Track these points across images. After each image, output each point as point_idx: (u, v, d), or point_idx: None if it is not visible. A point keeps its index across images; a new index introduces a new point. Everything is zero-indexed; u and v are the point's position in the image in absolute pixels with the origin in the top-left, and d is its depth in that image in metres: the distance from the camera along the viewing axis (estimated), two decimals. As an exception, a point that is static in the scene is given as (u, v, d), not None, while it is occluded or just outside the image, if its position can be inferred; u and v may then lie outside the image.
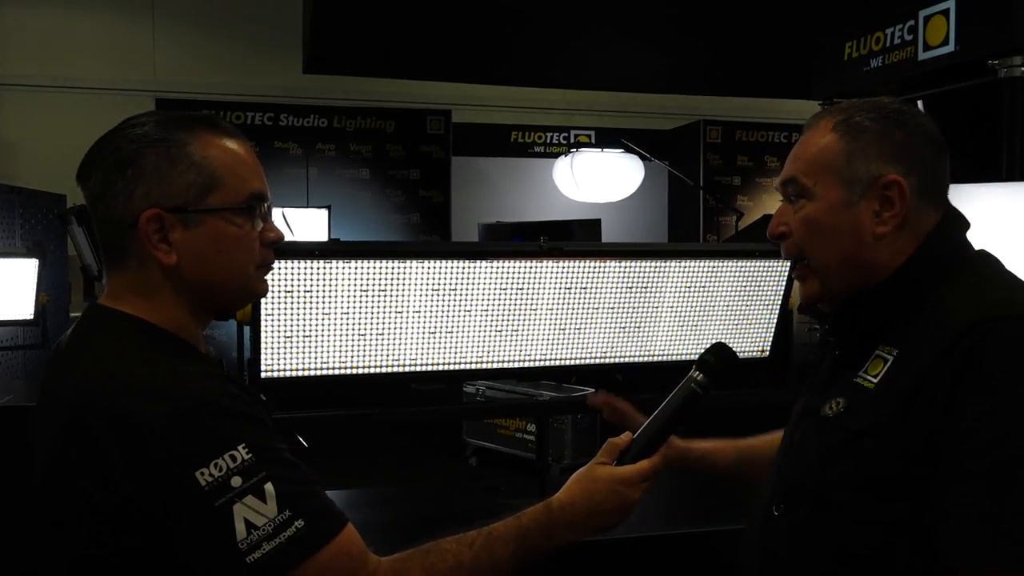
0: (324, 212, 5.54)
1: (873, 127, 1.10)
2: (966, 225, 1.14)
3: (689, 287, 1.82)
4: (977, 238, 2.48)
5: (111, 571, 0.96)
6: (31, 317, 2.86)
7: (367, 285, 1.59)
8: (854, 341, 1.12)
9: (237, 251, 1.06)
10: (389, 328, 1.64)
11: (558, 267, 1.70)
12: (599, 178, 7.09)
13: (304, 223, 5.44)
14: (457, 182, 7.41)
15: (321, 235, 5.42)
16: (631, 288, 1.78)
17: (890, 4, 3.20)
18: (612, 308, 1.78)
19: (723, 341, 1.19)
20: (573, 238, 5.84)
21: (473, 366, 1.70)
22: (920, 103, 3.28)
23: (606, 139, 7.64)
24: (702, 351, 1.21)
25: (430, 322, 1.66)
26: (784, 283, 1.87)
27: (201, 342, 1.10)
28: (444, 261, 1.62)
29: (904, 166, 1.08)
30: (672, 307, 1.83)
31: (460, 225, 7.27)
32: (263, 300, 1.54)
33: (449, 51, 6.34)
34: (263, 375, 1.57)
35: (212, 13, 7.03)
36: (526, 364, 1.74)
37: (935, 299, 1.05)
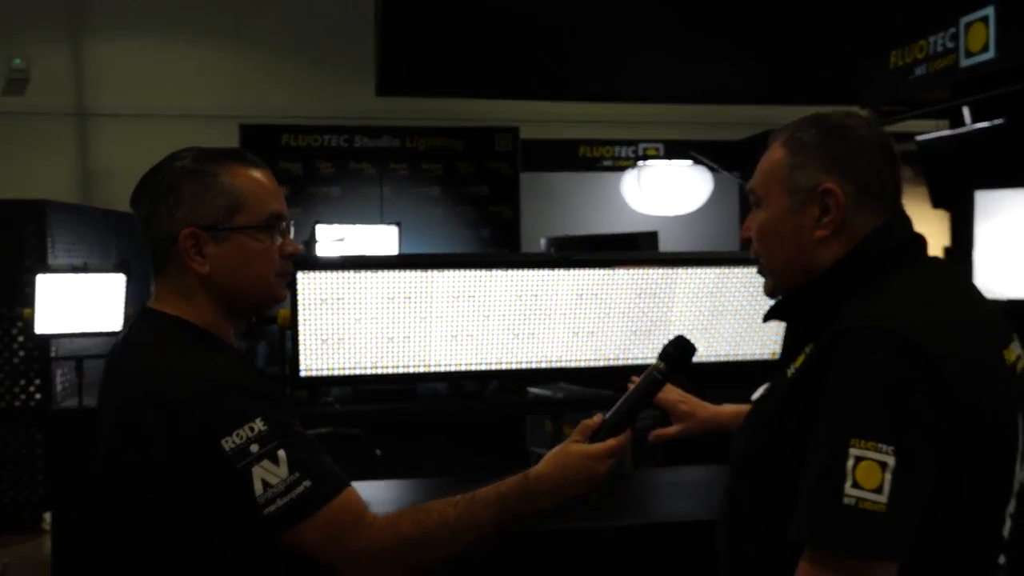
0: (394, 229, 5.78)
1: (813, 141, 1.19)
2: (906, 235, 1.21)
3: (699, 293, 1.93)
4: (992, 238, 2.51)
5: (151, 529, 1.15)
6: (119, 328, 3.16)
7: (393, 293, 1.76)
8: (793, 336, 1.24)
9: (259, 262, 1.26)
10: (414, 332, 1.80)
11: (576, 276, 1.84)
12: (667, 190, 7.14)
13: (376, 240, 5.69)
14: (526, 197, 7.56)
15: (392, 251, 5.66)
16: (643, 294, 1.89)
17: (932, 11, 3.22)
18: (625, 313, 1.90)
19: (683, 335, 1.31)
20: (637, 249, 5.92)
21: (492, 367, 1.85)
22: (966, 110, 3.29)
23: (675, 151, 7.69)
24: (695, 351, 1.34)
25: (451, 326, 1.82)
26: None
27: (231, 337, 1.31)
28: (462, 271, 1.78)
29: (839, 174, 1.17)
30: (683, 312, 1.94)
31: (529, 239, 7.42)
32: (301, 307, 1.74)
33: (516, 69, 6.52)
34: (302, 374, 1.75)
35: (292, 41, 7.42)
36: (542, 365, 1.88)
37: (847, 304, 1.14)
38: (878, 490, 1.00)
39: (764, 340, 2.02)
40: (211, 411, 1.11)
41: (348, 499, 1.15)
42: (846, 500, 1.00)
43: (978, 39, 3.01)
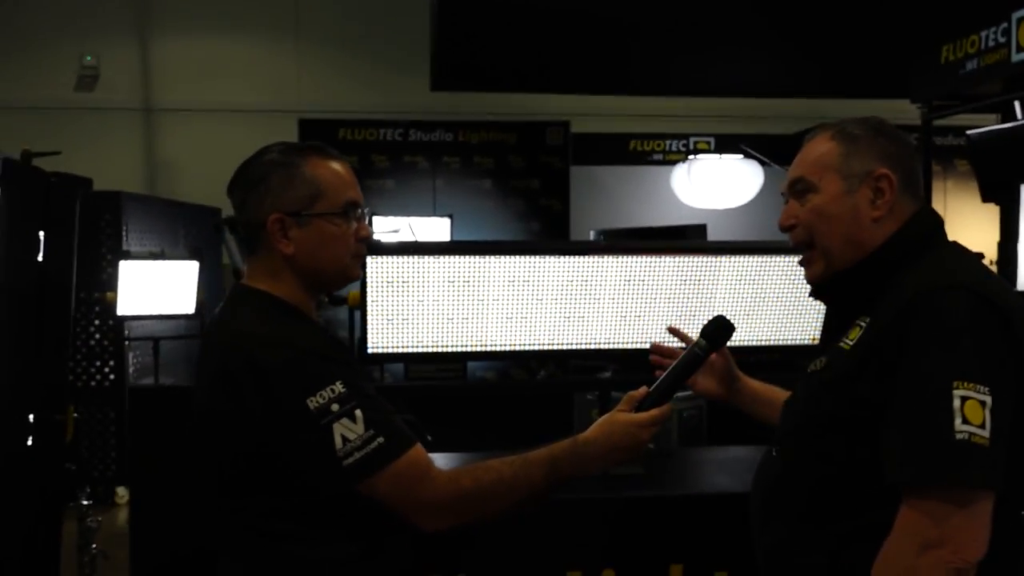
0: (447, 220, 5.93)
1: (863, 135, 1.34)
2: (939, 219, 1.36)
3: (741, 280, 2.03)
4: None
5: (247, 472, 1.32)
6: (192, 312, 3.36)
7: (454, 277, 1.90)
8: (841, 313, 1.34)
9: (336, 245, 1.41)
10: (473, 314, 1.93)
11: (623, 262, 1.95)
12: (717, 184, 7.17)
13: (429, 231, 5.84)
14: (576, 191, 7.65)
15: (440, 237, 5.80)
16: (686, 281, 2.00)
17: (983, 6, 3.25)
18: (669, 299, 2.01)
19: (723, 315, 1.42)
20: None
21: (544, 347, 1.97)
22: (1017, 104, 3.30)
23: (726, 145, 7.70)
24: (734, 330, 1.45)
25: (506, 309, 1.94)
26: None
27: (313, 311, 1.46)
28: (517, 257, 1.91)
29: (890, 164, 1.33)
30: (725, 299, 2.04)
31: (578, 233, 7.51)
32: (370, 289, 1.89)
33: (568, 64, 6.60)
34: (369, 351, 1.90)
35: (349, 37, 7.62)
36: (590, 347, 1.99)
37: (901, 277, 1.28)
38: (982, 426, 1.11)
39: (804, 326, 2.11)
40: (298, 375, 1.27)
41: (416, 455, 1.30)
42: (959, 436, 1.11)
43: (1029, 34, 3.03)
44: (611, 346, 2.01)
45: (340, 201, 1.41)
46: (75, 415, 2.35)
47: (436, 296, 1.91)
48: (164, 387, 3.17)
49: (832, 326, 1.39)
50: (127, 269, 3.14)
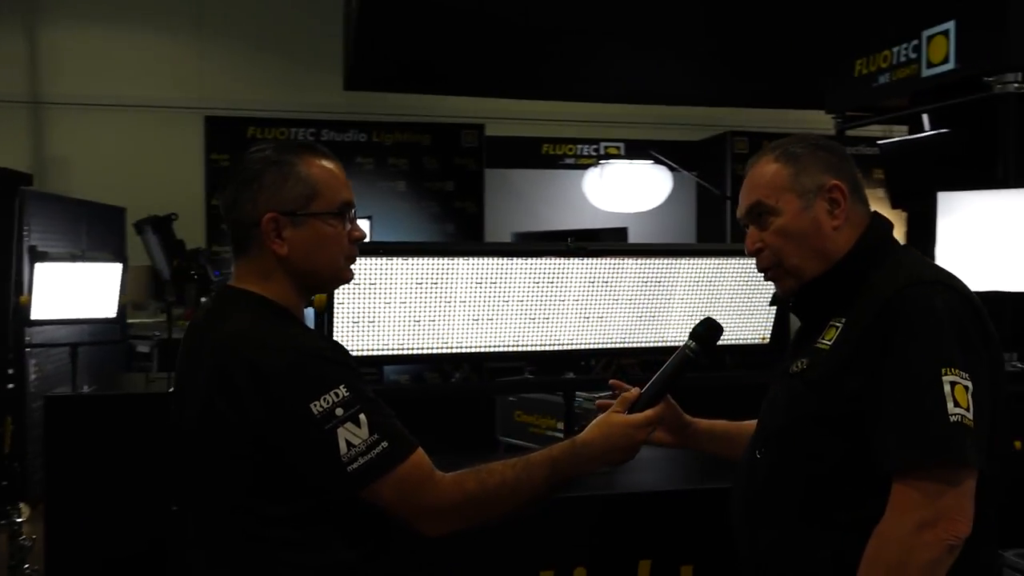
0: (366, 222, 5.85)
1: (804, 152, 1.42)
2: (890, 224, 1.45)
3: (698, 282, 2.09)
4: (976, 238, 2.72)
5: (245, 476, 1.27)
6: (114, 316, 3.20)
7: (421, 279, 1.88)
8: (814, 317, 1.41)
9: (331, 245, 1.38)
10: (439, 316, 1.92)
11: (583, 265, 1.97)
12: (628, 189, 7.32)
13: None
14: (490, 193, 7.68)
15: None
16: (647, 283, 2.04)
17: (895, 23, 3.44)
18: (630, 300, 2.05)
19: (712, 317, 1.46)
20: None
21: (510, 349, 1.98)
22: (925, 116, 3.51)
23: (635, 150, 7.87)
24: (722, 332, 1.50)
25: (473, 311, 1.94)
26: (783, 278, 2.12)
27: (303, 314, 1.41)
28: (486, 259, 1.90)
29: (836, 174, 1.40)
30: (683, 300, 2.09)
31: (493, 235, 7.53)
32: (336, 291, 1.85)
33: (483, 67, 6.62)
34: (333, 355, 1.85)
35: (256, 33, 7.42)
36: (555, 348, 2.01)
37: (871, 280, 1.35)
38: (968, 409, 1.20)
39: (755, 327, 2.19)
40: (301, 379, 1.24)
41: (419, 459, 1.28)
42: (952, 418, 1.19)
43: (939, 51, 3.23)
44: (572, 347, 2.03)
45: (336, 201, 1.38)
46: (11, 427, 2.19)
47: (403, 298, 1.89)
48: (84, 396, 3.00)
49: (805, 330, 1.45)
50: (43, 272, 2.96)
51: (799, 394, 1.36)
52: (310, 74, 7.36)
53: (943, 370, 1.21)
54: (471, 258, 1.90)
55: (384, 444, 1.24)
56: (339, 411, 1.22)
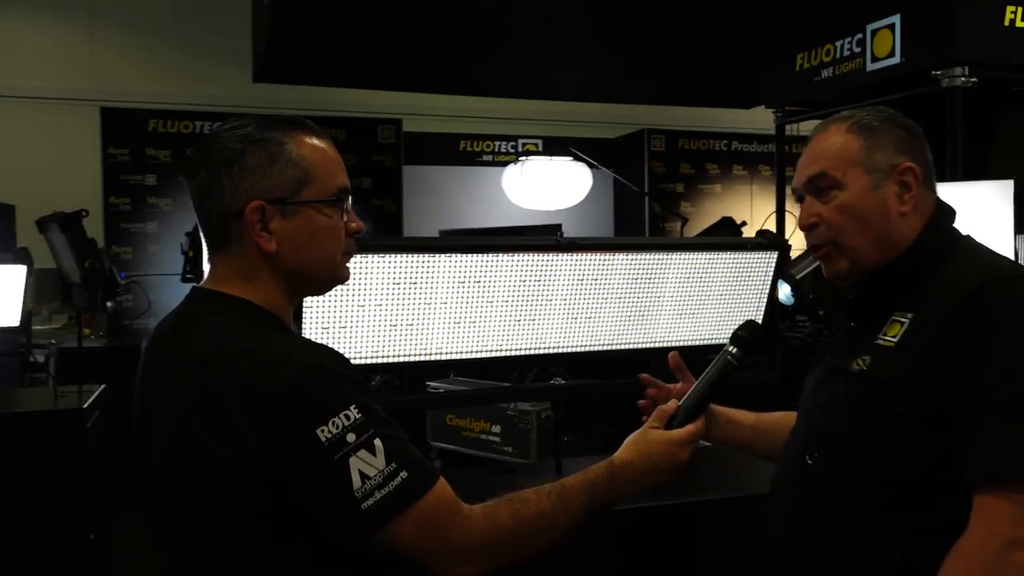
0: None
1: (881, 126, 1.30)
2: (954, 212, 1.35)
3: (688, 278, 1.97)
4: None
5: (236, 519, 1.06)
6: (17, 324, 2.86)
7: (399, 278, 1.69)
8: (870, 311, 1.29)
9: (327, 239, 1.18)
10: (418, 319, 1.73)
11: (571, 260, 1.83)
12: (548, 186, 7.24)
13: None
14: (409, 190, 7.48)
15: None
16: (636, 280, 1.91)
17: (839, 17, 3.43)
18: (619, 299, 1.91)
19: (753, 319, 1.34)
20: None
21: (494, 354, 1.81)
22: (867, 111, 3.52)
23: (553, 147, 7.82)
24: (726, 334, 1.36)
25: (455, 313, 1.76)
26: (772, 273, 2.03)
27: (291, 321, 1.21)
28: (470, 255, 1.73)
29: (911, 156, 1.30)
30: (673, 297, 1.98)
31: (412, 233, 7.33)
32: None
33: (399, 61, 6.42)
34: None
35: (154, 21, 6.98)
36: (541, 351, 1.86)
37: (939, 270, 1.25)
38: None
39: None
40: (304, 399, 1.04)
41: (443, 490, 1.10)
42: None
43: (884, 45, 3.24)
44: (561, 350, 1.88)
45: (332, 187, 1.18)
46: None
47: (379, 300, 1.70)
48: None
49: (852, 325, 1.34)
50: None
51: (865, 395, 1.24)
52: (216, 65, 6.97)
53: None
54: (455, 255, 1.72)
55: (403, 475, 1.05)
56: (351, 437, 1.03)
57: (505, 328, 1.81)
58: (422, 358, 1.76)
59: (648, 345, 1.98)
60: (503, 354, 1.82)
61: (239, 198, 1.13)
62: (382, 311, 1.70)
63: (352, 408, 1.04)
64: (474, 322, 1.78)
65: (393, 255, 1.67)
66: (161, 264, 6.29)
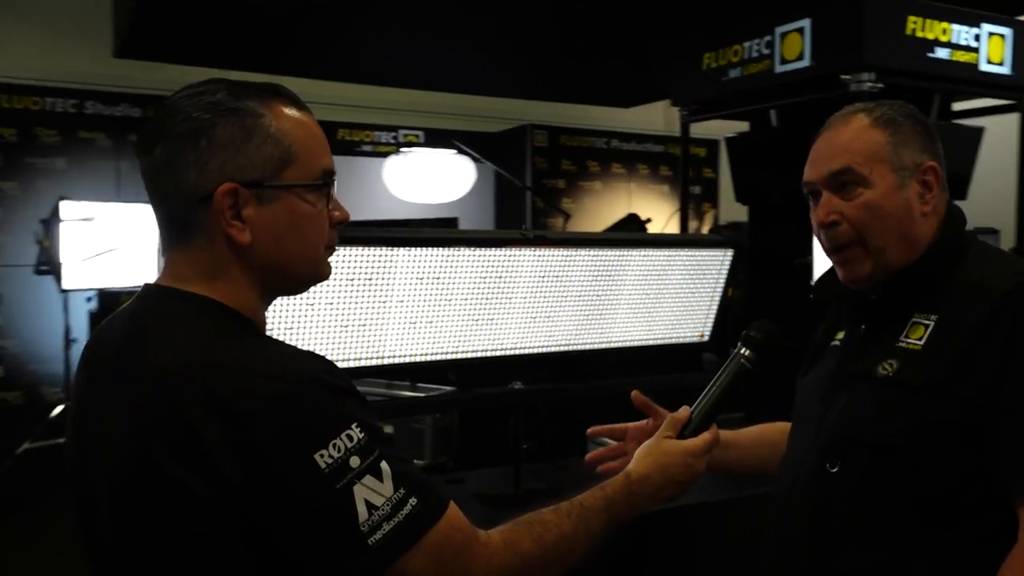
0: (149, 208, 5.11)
1: (906, 122, 1.26)
2: (963, 212, 1.32)
3: (646, 275, 1.90)
4: None
5: (209, 564, 0.88)
6: None
7: (353, 274, 1.52)
8: (886, 313, 1.24)
9: (310, 230, 1.01)
10: (372, 319, 1.57)
11: (535, 256, 1.71)
12: (431, 178, 7.09)
13: (119, 220, 5.00)
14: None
15: (141, 235, 5.01)
16: (597, 277, 1.82)
17: (747, 19, 3.47)
18: (579, 297, 1.81)
19: (766, 320, 1.27)
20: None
21: (451, 356, 1.67)
22: (773, 113, 3.59)
23: (435, 140, 7.67)
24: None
25: (412, 312, 1.61)
26: (725, 271, 1.99)
27: (265, 326, 1.03)
28: (429, 249, 1.58)
29: (933, 155, 1.26)
30: (630, 295, 1.89)
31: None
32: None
33: (273, 43, 6.12)
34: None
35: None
36: (498, 352, 1.73)
37: (960, 272, 1.22)
38: None
39: (695, 323, 2.04)
40: (298, 418, 0.87)
41: (456, 517, 0.95)
42: None
43: (794, 48, 3.30)
44: (519, 351, 1.76)
45: (316, 169, 1.01)
46: None
47: (330, 298, 1.52)
48: None
49: (864, 328, 1.29)
50: None
51: (898, 402, 1.18)
52: (72, 38, 6.37)
53: None
54: (415, 249, 1.57)
55: (413, 501, 0.90)
56: (355, 461, 0.87)
57: (464, 328, 1.67)
58: (375, 362, 1.59)
59: (604, 345, 1.89)
60: (460, 356, 1.68)
61: (206, 179, 0.95)
62: (334, 310, 1.52)
63: (354, 427, 0.88)
64: (431, 322, 1.63)
65: (348, 248, 1.50)
66: (8, 254, 5.71)
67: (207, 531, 0.87)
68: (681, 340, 2.00)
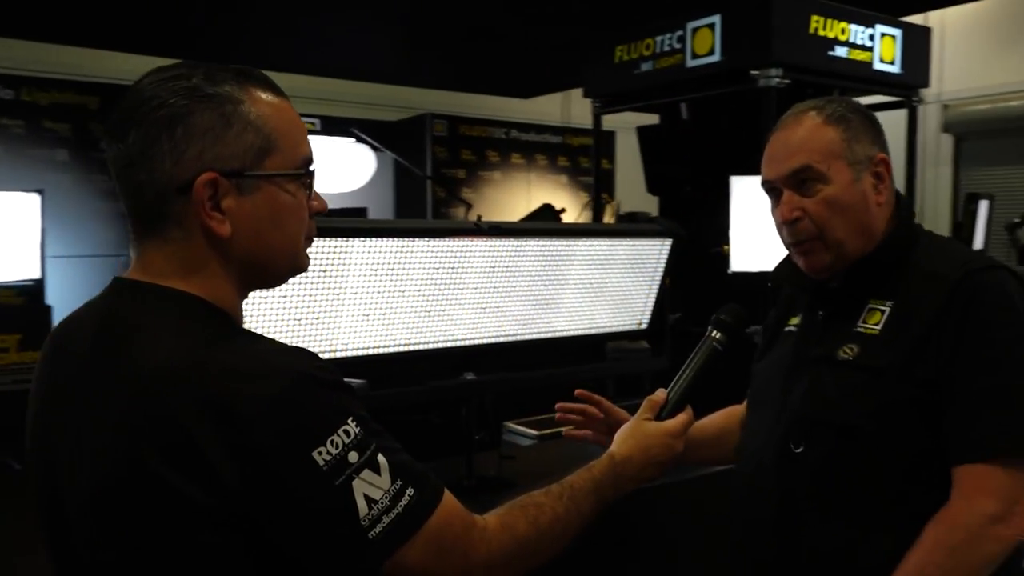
0: (36, 197, 4.81)
1: (855, 117, 1.32)
2: (909, 201, 1.39)
3: (591, 265, 1.92)
4: (739, 217, 2.87)
5: (205, 568, 0.86)
6: None
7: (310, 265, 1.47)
8: (845, 300, 1.30)
9: (291, 221, 0.99)
10: (326, 312, 1.52)
11: (486, 247, 1.70)
12: (331, 167, 6.94)
13: (9, 210, 4.69)
14: (174, 167, 6.81)
15: (34, 224, 4.71)
16: (544, 267, 1.83)
17: (659, 15, 3.56)
18: (529, 287, 1.82)
19: (734, 304, 1.31)
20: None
21: (403, 348, 1.64)
22: (683, 106, 3.70)
23: (332, 128, 7.50)
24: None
25: (366, 304, 1.57)
26: (664, 260, 2.04)
27: (242, 320, 0.99)
28: (384, 240, 1.55)
29: (882, 147, 1.33)
30: (575, 285, 1.91)
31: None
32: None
33: (161, 24, 5.85)
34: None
35: None
36: (449, 344, 1.72)
37: (912, 260, 1.29)
38: None
39: (634, 312, 2.08)
40: (295, 416, 0.85)
41: (452, 503, 0.96)
42: None
43: (704, 43, 3.40)
44: (469, 343, 1.75)
45: (297, 157, 0.98)
46: None
47: (283, 291, 1.47)
48: None
49: (822, 314, 1.35)
50: None
51: (861, 384, 1.24)
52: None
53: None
54: (370, 239, 1.53)
55: (410, 492, 0.90)
56: (352, 456, 0.86)
57: (416, 321, 1.65)
58: (328, 355, 1.55)
59: (550, 335, 1.90)
60: (413, 348, 1.66)
61: (183, 168, 0.91)
62: (288, 303, 1.47)
63: (350, 421, 0.87)
64: (384, 314, 1.60)
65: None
66: None
67: (203, 535, 0.84)
68: (621, 328, 2.04)
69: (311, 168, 1.00)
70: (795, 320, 1.42)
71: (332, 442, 0.85)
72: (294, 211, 0.97)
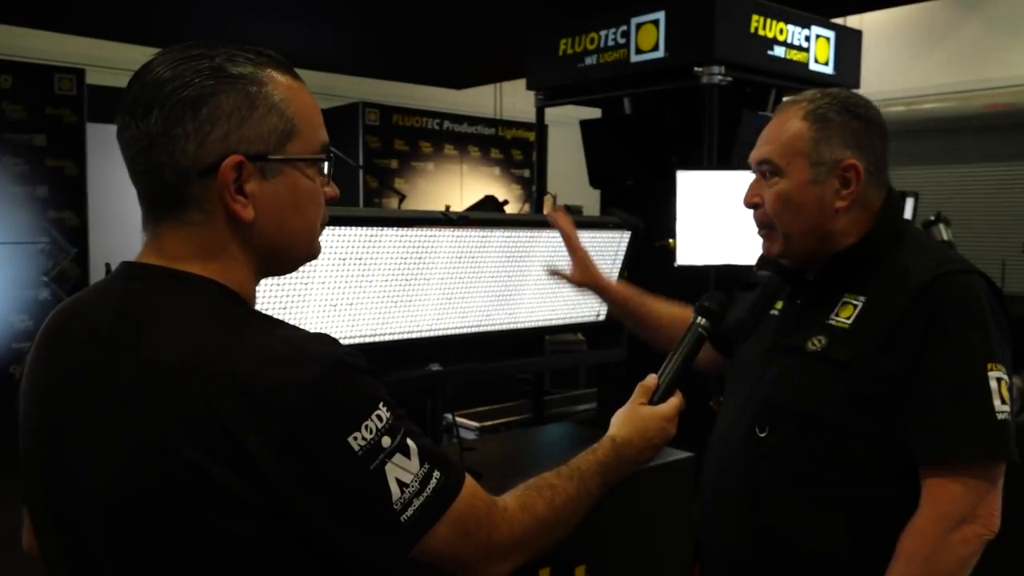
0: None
1: (837, 118, 1.32)
2: (903, 202, 1.43)
3: (553, 255, 1.92)
4: (685, 211, 2.91)
5: (241, 558, 0.84)
6: None
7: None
8: (820, 291, 1.34)
9: (310, 206, 0.97)
10: (293, 302, 1.48)
11: (454, 237, 1.69)
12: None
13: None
14: (94, 152, 6.55)
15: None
16: (509, 257, 1.82)
17: (603, 10, 3.58)
18: (492, 277, 1.81)
19: (717, 292, 1.34)
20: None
21: (369, 339, 1.62)
22: (627, 101, 3.73)
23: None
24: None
25: (333, 294, 1.54)
26: (623, 253, 2.05)
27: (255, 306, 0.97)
28: (352, 228, 1.52)
29: (859, 152, 1.32)
30: (537, 275, 1.91)
31: (99, 201, 6.45)
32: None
33: (86, 2, 5.62)
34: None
35: None
36: (414, 335, 1.70)
37: (890, 259, 1.32)
38: (1007, 404, 1.19)
39: (592, 303, 2.09)
40: (331, 403, 0.84)
41: (474, 486, 0.97)
42: (1000, 416, 1.17)
43: (648, 39, 3.44)
44: (434, 333, 1.73)
45: (316, 142, 0.96)
46: None
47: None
48: None
49: (799, 303, 1.38)
50: None
51: (823, 374, 1.28)
52: None
53: (989, 365, 1.20)
54: (338, 228, 1.50)
55: (437, 475, 0.90)
56: (386, 441, 0.86)
57: (382, 311, 1.62)
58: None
59: (512, 326, 1.90)
60: (379, 339, 1.64)
61: (207, 151, 0.88)
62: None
63: (382, 406, 0.87)
64: (351, 304, 1.57)
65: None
66: None
67: (237, 524, 0.82)
68: (581, 320, 2.05)
69: (330, 154, 0.99)
70: (779, 304, 1.46)
71: (367, 427, 0.85)
72: (313, 196, 0.96)
